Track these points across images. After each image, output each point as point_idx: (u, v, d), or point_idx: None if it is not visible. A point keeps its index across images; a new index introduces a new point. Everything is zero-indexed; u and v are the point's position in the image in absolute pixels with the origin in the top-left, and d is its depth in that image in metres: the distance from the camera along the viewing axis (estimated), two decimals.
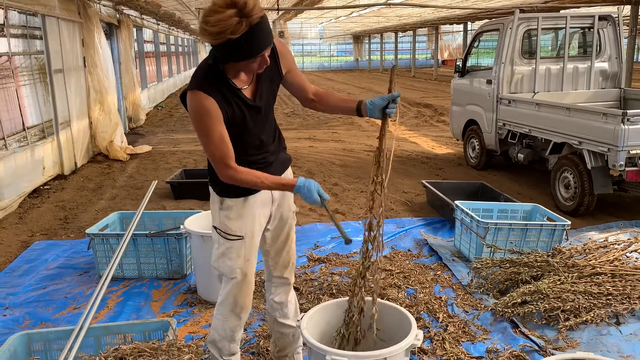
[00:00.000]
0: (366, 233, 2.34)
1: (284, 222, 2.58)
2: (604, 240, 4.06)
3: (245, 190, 2.35)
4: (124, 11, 11.90)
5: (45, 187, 7.04)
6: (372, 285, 2.38)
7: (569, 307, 3.28)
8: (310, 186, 2.25)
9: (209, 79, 2.16)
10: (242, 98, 2.21)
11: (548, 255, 3.79)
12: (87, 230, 4.11)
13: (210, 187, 2.45)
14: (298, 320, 2.41)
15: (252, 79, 2.27)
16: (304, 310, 3.09)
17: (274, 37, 2.32)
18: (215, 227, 2.45)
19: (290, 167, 2.60)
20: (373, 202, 2.30)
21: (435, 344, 3.16)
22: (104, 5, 10.18)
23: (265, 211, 2.48)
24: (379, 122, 2.34)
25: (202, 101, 2.11)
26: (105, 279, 2.89)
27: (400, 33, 34.65)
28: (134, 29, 13.38)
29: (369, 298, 2.41)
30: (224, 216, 2.39)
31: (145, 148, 9.66)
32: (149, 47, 17.71)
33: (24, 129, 6.76)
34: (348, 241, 2.28)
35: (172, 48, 23.72)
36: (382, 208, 2.28)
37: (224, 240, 2.42)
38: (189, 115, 2.19)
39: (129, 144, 9.52)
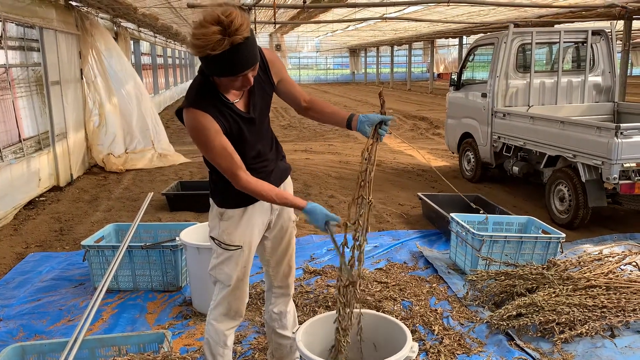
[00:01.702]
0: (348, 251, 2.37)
1: (284, 232, 2.61)
2: (599, 253, 4.07)
3: (245, 201, 2.38)
4: (122, 24, 11.97)
5: (41, 198, 7.02)
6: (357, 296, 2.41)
7: (564, 319, 3.29)
8: (318, 211, 2.31)
9: (203, 95, 2.20)
10: (235, 111, 2.25)
11: (543, 268, 3.80)
12: (83, 242, 4.10)
13: (210, 199, 2.48)
14: (293, 333, 2.42)
15: (244, 91, 2.30)
16: (299, 322, 3.09)
17: (263, 47, 2.35)
18: (213, 238, 2.47)
19: (290, 176, 2.63)
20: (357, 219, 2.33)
21: (430, 357, 3.16)
22: (101, 18, 10.24)
23: (264, 219, 2.51)
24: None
25: (198, 118, 2.16)
26: (100, 291, 2.89)
27: (396, 46, 34.90)
28: (131, 42, 13.44)
29: (362, 310, 2.44)
30: (224, 227, 2.42)
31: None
32: (146, 60, 17.78)
33: (20, 141, 6.76)
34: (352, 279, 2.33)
35: (169, 60, 23.82)
36: (366, 223, 2.32)
37: (222, 250, 2.44)
38: (187, 132, 2.23)
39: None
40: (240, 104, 2.28)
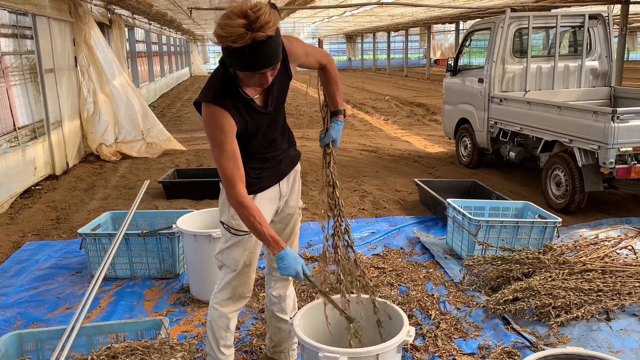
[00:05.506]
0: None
1: (290, 216, 2.63)
2: (595, 237, 4.09)
3: (255, 188, 2.40)
4: (116, 11, 11.86)
5: (37, 187, 7.00)
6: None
7: (559, 303, 3.31)
8: (290, 262, 2.23)
9: (223, 90, 2.19)
10: (254, 108, 2.25)
11: (539, 253, 3.82)
12: (79, 230, 4.10)
13: (221, 184, 2.48)
14: (291, 318, 2.43)
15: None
16: (298, 308, 3.10)
17: (283, 36, 2.32)
18: (222, 223, 2.49)
19: (299, 163, 2.67)
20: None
21: (427, 341, 3.18)
22: (95, 5, 10.14)
23: (273, 207, 2.53)
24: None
25: (217, 115, 2.16)
26: (98, 278, 2.89)
27: (392, 32, 34.72)
28: (126, 29, 13.33)
29: (364, 296, 2.50)
30: (233, 212, 2.42)
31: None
32: (140, 47, 17.65)
33: (15, 129, 6.72)
34: (350, 319, 2.41)
35: (164, 48, 23.65)
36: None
37: (230, 235, 2.46)
38: (203, 126, 2.22)
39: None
40: (259, 100, 2.28)
